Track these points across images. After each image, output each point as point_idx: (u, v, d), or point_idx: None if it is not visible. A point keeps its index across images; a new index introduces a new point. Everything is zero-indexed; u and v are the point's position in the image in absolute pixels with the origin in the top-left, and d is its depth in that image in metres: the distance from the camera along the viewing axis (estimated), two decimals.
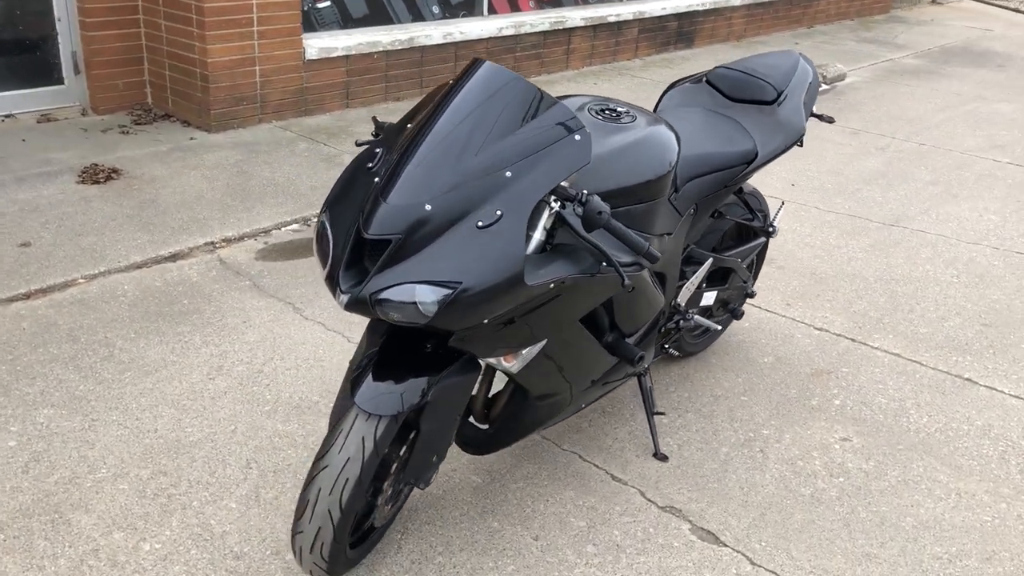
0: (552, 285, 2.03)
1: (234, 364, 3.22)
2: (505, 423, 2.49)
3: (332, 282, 1.99)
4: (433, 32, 6.41)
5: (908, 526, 2.63)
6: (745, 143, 2.83)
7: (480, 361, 2.20)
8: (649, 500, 2.68)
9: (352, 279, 1.97)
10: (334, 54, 5.85)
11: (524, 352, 2.21)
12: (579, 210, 1.98)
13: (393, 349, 2.14)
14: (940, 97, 7.73)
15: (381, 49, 6.12)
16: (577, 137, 2.03)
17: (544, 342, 2.22)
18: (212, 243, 4.10)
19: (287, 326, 3.48)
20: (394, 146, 2.07)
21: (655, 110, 3.11)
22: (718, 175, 2.76)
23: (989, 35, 11.01)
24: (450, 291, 1.89)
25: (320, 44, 5.80)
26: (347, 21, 6.11)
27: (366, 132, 5.62)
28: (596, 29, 7.71)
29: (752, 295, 3.30)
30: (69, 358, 3.19)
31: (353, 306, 1.95)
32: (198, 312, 3.54)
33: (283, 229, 4.32)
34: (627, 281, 2.12)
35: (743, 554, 2.49)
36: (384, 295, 1.92)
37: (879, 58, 9.18)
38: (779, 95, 2.95)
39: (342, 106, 6.07)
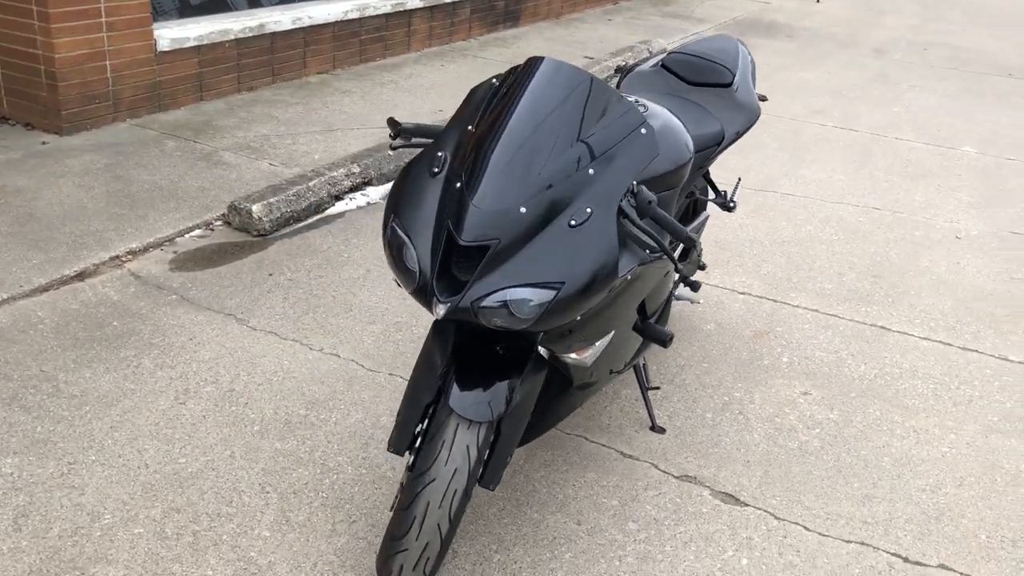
0: (629, 276, 2.08)
1: (200, 385, 3.02)
2: (541, 414, 2.52)
3: (424, 293, 1.95)
4: (282, 17, 6.16)
5: (888, 465, 2.92)
6: (713, 125, 2.98)
7: (545, 356, 2.22)
8: (664, 472, 2.80)
9: (447, 288, 1.93)
10: (186, 45, 5.50)
11: (597, 344, 2.25)
12: (632, 201, 2.04)
13: (469, 353, 2.11)
14: None
15: (232, 37, 5.81)
16: (643, 131, 2.08)
17: (612, 333, 2.28)
18: (117, 257, 3.79)
19: (239, 339, 3.30)
20: (463, 149, 2.04)
21: None
22: (696, 157, 2.90)
23: (769, 8, 11.94)
24: (553, 292, 1.90)
25: (171, 35, 5.43)
26: (186, 9, 5.75)
27: (231, 126, 5.34)
28: (434, 10, 7.68)
29: (704, 267, 3.48)
30: (10, 398, 2.87)
31: (454, 315, 1.92)
32: (135, 333, 3.28)
33: (187, 236, 4.06)
34: (680, 267, 2.21)
35: (765, 511, 2.67)
36: (487, 302, 1.90)
37: (686, 31, 9.74)
38: (735, 78, 3.13)
39: (196, 99, 5.72)
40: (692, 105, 3.02)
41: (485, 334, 2.16)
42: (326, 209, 4.48)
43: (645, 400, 2.99)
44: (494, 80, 2.20)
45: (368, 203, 4.60)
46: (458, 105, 2.30)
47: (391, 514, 2.34)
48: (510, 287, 1.90)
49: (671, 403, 3.15)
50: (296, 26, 6.27)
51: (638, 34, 9.16)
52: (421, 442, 2.08)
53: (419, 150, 2.18)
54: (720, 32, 10.03)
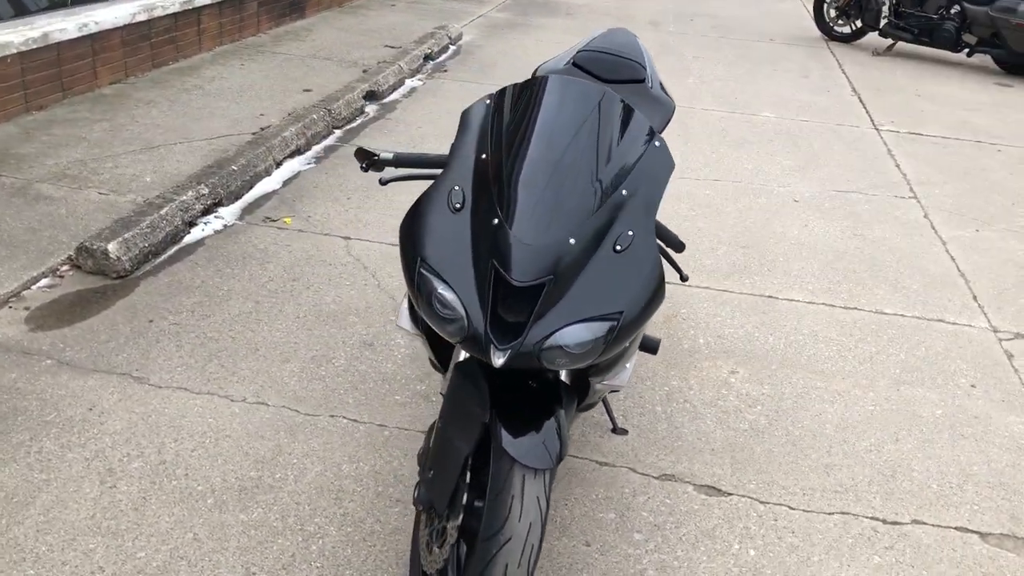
0: None
1: (124, 462, 2.66)
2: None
3: (477, 341, 1.80)
4: (67, 24, 5.50)
5: (831, 432, 3.08)
6: None
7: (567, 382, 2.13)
8: (644, 475, 2.80)
9: (502, 333, 1.80)
10: None
11: (628, 365, 2.18)
12: None
13: (506, 395, 1.98)
14: (547, 46, 8.47)
15: (14, 51, 5.12)
16: (657, 144, 2.03)
17: (636, 351, 2.22)
18: None
19: (146, 401, 2.93)
20: (484, 181, 1.89)
21: None
22: None
23: None
24: (614, 323, 1.82)
25: None
26: None
27: (35, 153, 4.71)
28: (222, 6, 7.17)
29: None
30: None
31: (515, 361, 1.79)
32: (20, 412, 2.82)
33: (34, 288, 3.55)
34: (685, 274, 2.20)
35: (748, 497, 2.74)
36: (549, 343, 1.79)
37: (472, 14, 9.74)
38: (647, 72, 3.13)
39: None
40: None
41: (514, 371, 2.03)
42: (182, 238, 4.07)
43: (605, 404, 2.96)
44: (488, 101, 2.06)
45: (224, 226, 4.23)
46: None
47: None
48: (570, 325, 1.80)
49: (619, 400, 3.15)
50: (83, 33, 5.62)
51: (428, 19, 9.04)
52: (480, 500, 1.93)
53: (410, 182, 2.00)
54: (502, 10, 10.14)
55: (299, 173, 4.95)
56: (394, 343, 3.38)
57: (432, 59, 7.64)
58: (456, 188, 1.92)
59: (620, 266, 1.86)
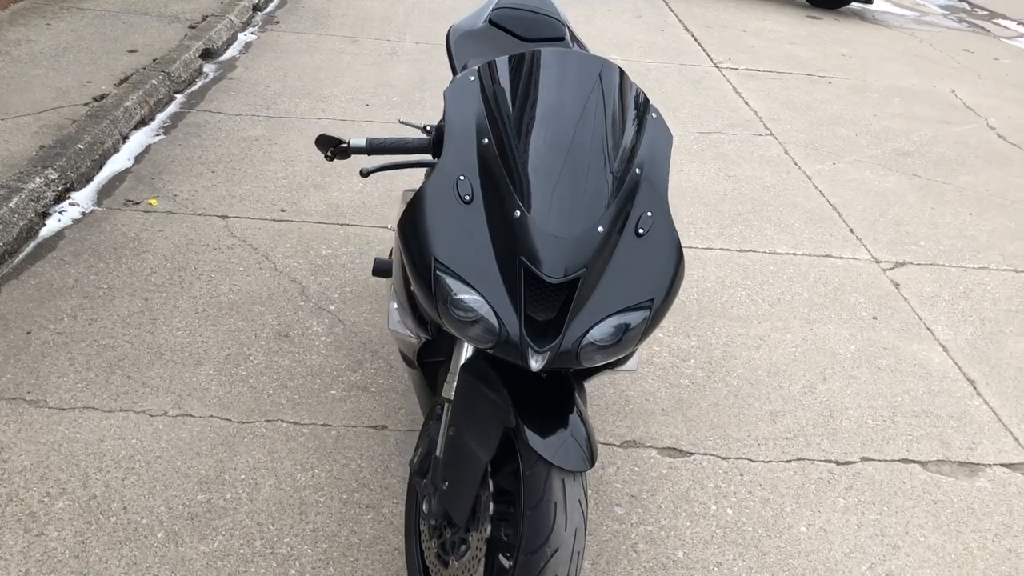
0: None
1: (47, 503, 2.34)
2: None
3: (511, 346, 1.67)
4: None
5: (764, 377, 3.16)
6: None
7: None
8: (608, 444, 2.76)
9: (536, 334, 1.67)
10: None
11: (638, 349, 2.10)
12: None
13: (524, 395, 1.86)
14: None
15: None
16: (654, 115, 1.94)
17: None
18: None
19: (51, 428, 2.59)
20: (493, 169, 1.74)
21: (451, 60, 2.93)
22: None
23: None
24: (647, 311, 1.74)
25: None
26: None
27: None
28: None
29: None
30: None
31: (554, 363, 1.67)
32: None
33: None
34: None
35: (710, 455, 2.77)
36: (588, 339, 1.69)
37: None
38: (567, 29, 3.00)
39: None
40: None
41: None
42: (39, 232, 3.61)
43: None
44: (472, 77, 1.89)
45: (83, 214, 3.79)
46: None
47: None
48: (606, 318, 1.70)
49: None
50: None
51: None
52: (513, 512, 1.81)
53: (393, 172, 1.79)
54: None
55: (149, 147, 4.50)
56: (311, 332, 3.15)
57: (260, 9, 7.14)
58: (462, 178, 1.75)
59: (644, 250, 1.76)
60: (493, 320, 1.67)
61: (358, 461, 2.59)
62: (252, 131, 4.78)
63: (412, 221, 1.75)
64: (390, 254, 2.85)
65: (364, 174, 1.88)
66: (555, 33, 2.95)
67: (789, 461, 2.77)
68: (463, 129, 1.80)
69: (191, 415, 2.70)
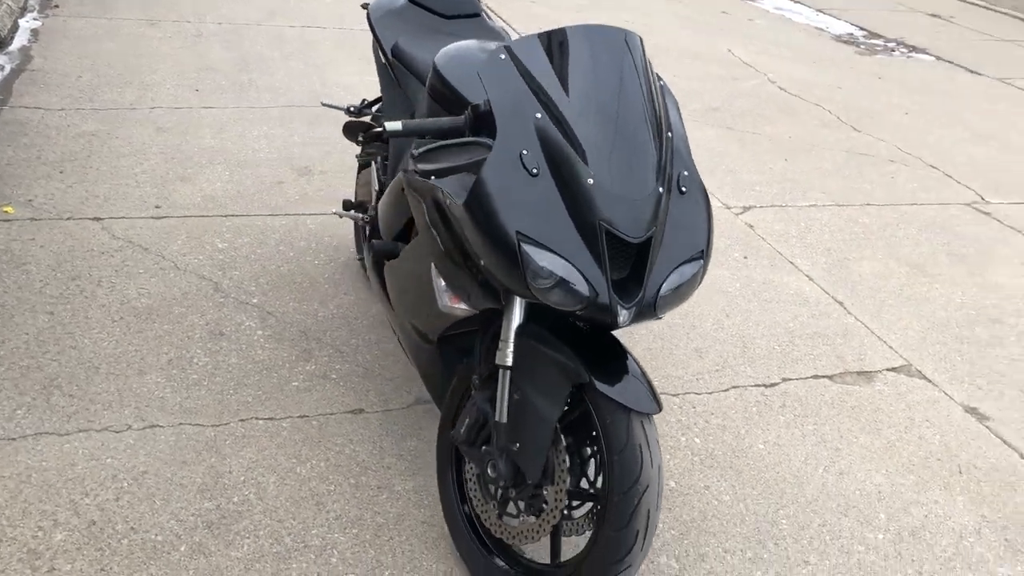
0: None
1: (43, 536, 2.17)
2: None
3: (600, 306, 1.79)
4: None
5: (678, 320, 3.45)
6: None
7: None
8: None
9: (620, 292, 1.81)
10: None
11: None
12: None
13: (581, 350, 1.97)
14: None
15: None
16: (662, 83, 2.10)
17: None
18: None
19: (9, 461, 2.38)
20: (553, 142, 1.83)
21: (377, 40, 2.93)
22: None
23: None
24: (700, 261, 1.93)
25: None
26: None
27: None
28: None
29: None
30: None
31: (638, 317, 1.82)
32: None
33: None
34: None
35: (664, 393, 3.00)
36: (663, 292, 1.85)
37: None
38: (480, 4, 3.08)
39: None
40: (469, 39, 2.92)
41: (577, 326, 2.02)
42: None
43: None
44: (502, 55, 1.96)
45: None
46: None
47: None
48: (673, 270, 1.87)
49: None
50: None
51: None
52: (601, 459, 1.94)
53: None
54: None
55: None
56: (245, 327, 3.06)
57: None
58: (526, 152, 1.83)
59: (689, 206, 1.94)
60: (583, 284, 1.78)
61: (351, 446, 2.59)
62: (85, 126, 4.44)
63: (481, 200, 1.81)
64: (368, 238, 2.80)
65: (414, 157, 1.89)
66: (472, 9, 3.04)
67: (727, 390, 3.07)
68: (513, 106, 1.88)
69: (159, 425, 2.57)
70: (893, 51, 8.31)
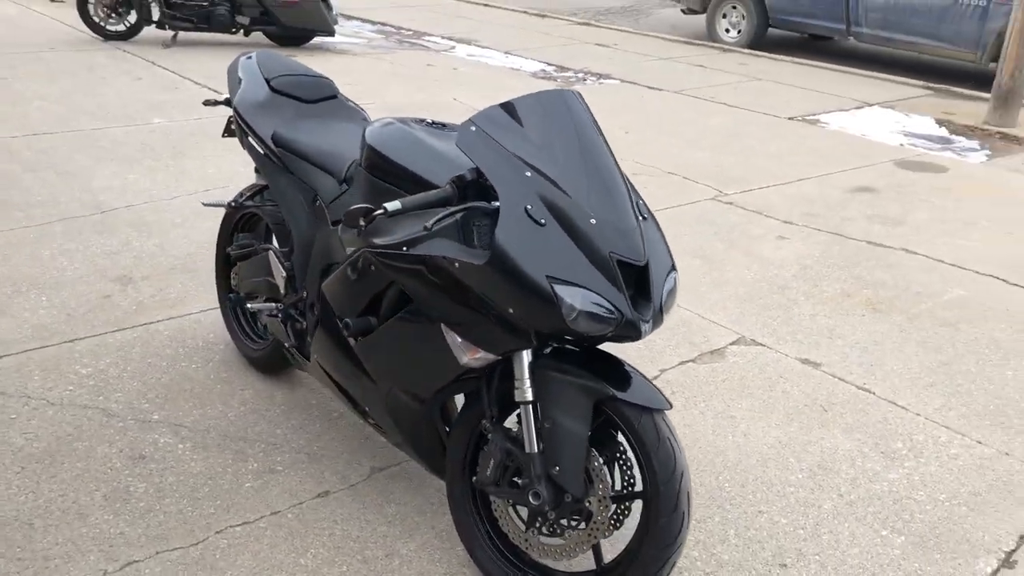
0: None
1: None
2: None
3: (627, 325, 2.06)
4: None
5: None
6: None
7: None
8: None
9: (636, 308, 2.10)
10: None
11: None
12: None
13: (590, 364, 2.23)
14: None
15: None
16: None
17: None
18: None
19: None
20: (547, 193, 2.08)
21: (252, 132, 2.96)
22: None
23: None
24: (675, 271, 2.27)
25: None
26: None
27: None
28: None
29: None
30: None
31: (654, 327, 2.12)
32: None
33: None
34: None
35: None
36: (664, 300, 2.17)
37: None
38: (334, 86, 3.20)
39: None
40: (342, 122, 3.04)
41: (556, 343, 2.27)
42: None
43: None
44: (472, 127, 2.17)
45: None
46: None
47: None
48: (664, 280, 2.19)
49: None
50: None
51: None
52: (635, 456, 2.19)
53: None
54: None
55: None
56: (162, 444, 2.95)
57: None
58: (530, 206, 2.06)
59: (652, 229, 2.26)
60: (611, 309, 2.04)
61: (339, 526, 2.62)
62: None
63: (504, 257, 2.02)
64: (317, 321, 2.77)
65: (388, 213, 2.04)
66: (330, 92, 3.18)
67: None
68: (505, 169, 2.10)
69: (136, 560, 2.45)
70: (584, 79, 9.27)
